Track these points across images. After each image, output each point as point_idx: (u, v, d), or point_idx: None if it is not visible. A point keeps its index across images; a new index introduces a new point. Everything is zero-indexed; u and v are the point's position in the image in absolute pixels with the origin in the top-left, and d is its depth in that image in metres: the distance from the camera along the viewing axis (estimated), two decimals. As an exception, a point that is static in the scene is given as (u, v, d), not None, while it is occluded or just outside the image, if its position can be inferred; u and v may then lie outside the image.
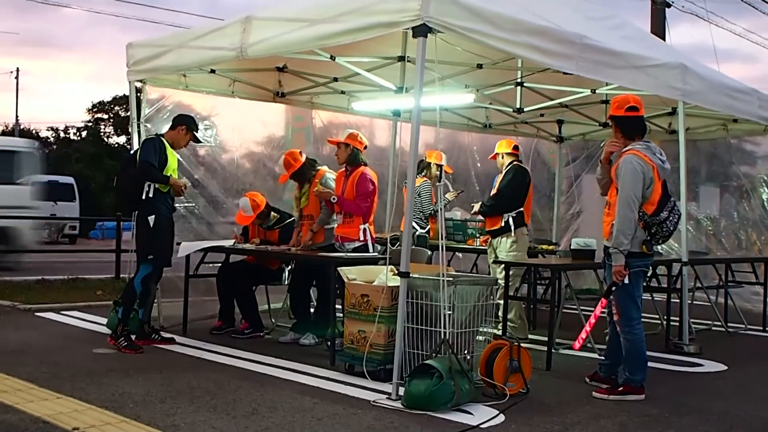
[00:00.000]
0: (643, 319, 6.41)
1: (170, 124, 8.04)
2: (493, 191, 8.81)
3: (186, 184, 7.91)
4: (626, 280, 6.08)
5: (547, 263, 9.16)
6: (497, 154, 8.89)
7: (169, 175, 7.61)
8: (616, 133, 6.28)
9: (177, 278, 8.85)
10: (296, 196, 8.61)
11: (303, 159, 8.48)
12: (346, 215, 7.94)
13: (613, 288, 6.17)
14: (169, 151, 7.70)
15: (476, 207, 8.84)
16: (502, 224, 8.49)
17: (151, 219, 7.54)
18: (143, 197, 7.54)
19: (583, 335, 6.38)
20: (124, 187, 7.77)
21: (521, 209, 8.53)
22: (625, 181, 6.00)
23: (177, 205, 8.20)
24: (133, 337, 7.52)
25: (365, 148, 8.14)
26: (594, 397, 6.18)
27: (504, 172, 8.71)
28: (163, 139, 7.78)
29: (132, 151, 8.15)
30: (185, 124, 7.90)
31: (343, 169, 8.12)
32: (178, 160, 8.08)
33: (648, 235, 6.09)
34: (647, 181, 6.02)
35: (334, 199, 7.91)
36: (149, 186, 7.53)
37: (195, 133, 7.98)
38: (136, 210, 7.70)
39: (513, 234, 8.44)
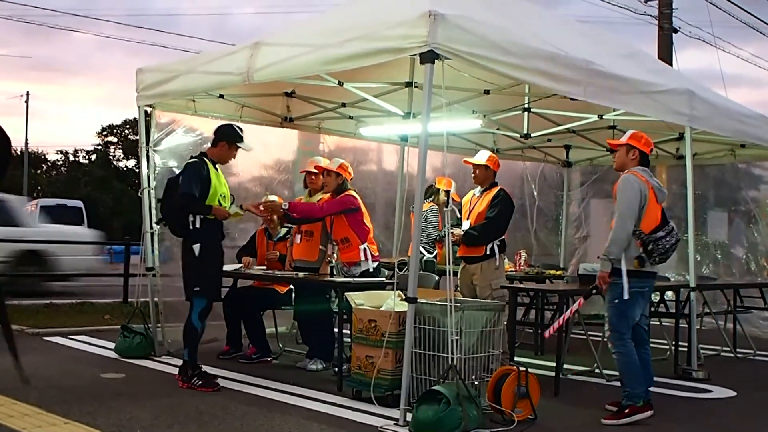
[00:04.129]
0: (651, 345, 6.42)
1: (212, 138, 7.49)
2: (473, 218, 8.05)
3: (230, 213, 7.24)
4: (625, 295, 6.17)
5: (554, 288, 9.15)
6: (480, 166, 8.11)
7: (210, 205, 7.05)
8: (631, 162, 6.51)
9: (181, 303, 8.84)
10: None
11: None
12: (342, 241, 7.98)
13: (594, 292, 6.42)
14: (214, 173, 7.14)
15: (457, 234, 7.93)
16: (487, 251, 7.92)
17: (197, 248, 7.02)
18: (190, 228, 7.06)
19: (555, 326, 6.61)
20: (167, 217, 7.38)
21: (503, 237, 8.12)
22: (623, 196, 6.27)
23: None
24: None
25: (351, 179, 8.23)
26: (604, 425, 6.16)
27: (491, 198, 7.97)
28: (206, 159, 7.21)
29: (177, 174, 7.56)
30: (225, 139, 7.27)
31: (329, 195, 8.17)
32: None
33: (644, 252, 6.23)
34: (643, 200, 6.25)
35: (285, 206, 7.89)
36: (194, 216, 7.05)
37: (239, 144, 7.30)
38: (182, 238, 7.25)
39: (497, 260, 8.01)
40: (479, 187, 8.13)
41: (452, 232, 7.89)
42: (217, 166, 7.28)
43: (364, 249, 7.95)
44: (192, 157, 7.35)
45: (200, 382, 6.93)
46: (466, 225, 8.01)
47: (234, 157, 7.47)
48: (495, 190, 7.97)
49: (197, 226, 7.03)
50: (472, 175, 8.12)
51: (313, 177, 8.52)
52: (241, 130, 7.37)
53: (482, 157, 8.07)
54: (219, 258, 7.25)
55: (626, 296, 6.16)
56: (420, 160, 6.02)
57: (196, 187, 6.99)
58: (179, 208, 7.05)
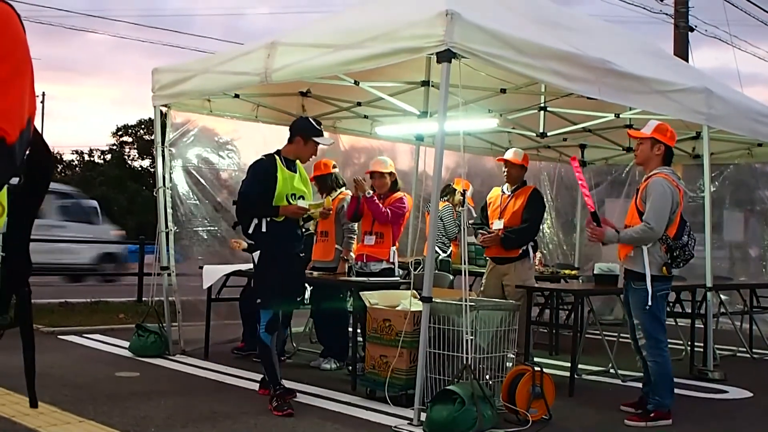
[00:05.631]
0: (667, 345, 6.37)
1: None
2: (507, 217, 7.97)
3: (305, 208, 6.45)
4: (649, 302, 6.05)
5: (569, 288, 9.11)
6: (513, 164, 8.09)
7: (277, 206, 6.34)
8: (656, 157, 6.33)
9: (198, 302, 8.87)
10: None
11: (332, 170, 8.46)
12: (378, 235, 7.96)
13: (593, 217, 6.31)
14: (282, 171, 6.39)
15: (492, 239, 7.91)
16: (523, 252, 7.99)
17: (256, 256, 6.44)
18: (251, 231, 6.44)
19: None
20: (238, 219, 6.77)
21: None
22: (656, 201, 6.09)
23: (199, 229, 8.14)
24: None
25: None
26: (628, 425, 6.10)
27: (527, 198, 7.98)
28: (277, 157, 6.47)
29: None
30: (299, 133, 6.55)
31: (376, 193, 8.05)
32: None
33: (669, 258, 6.13)
34: (674, 206, 6.13)
35: (369, 193, 7.82)
36: (258, 218, 6.42)
37: (316, 139, 6.58)
38: None
39: (531, 259, 8.11)
40: (507, 185, 8.12)
41: (488, 236, 7.89)
42: (296, 164, 6.62)
43: (394, 252, 7.94)
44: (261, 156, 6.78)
45: (276, 404, 6.15)
46: (497, 224, 7.97)
47: (315, 154, 6.85)
48: (530, 190, 8.03)
49: (262, 230, 6.37)
50: (505, 172, 8.09)
51: (378, 180, 8.17)
52: (318, 123, 6.84)
53: (518, 155, 8.09)
54: (286, 264, 6.46)
55: (650, 303, 6.05)
56: (436, 160, 5.99)
57: (257, 186, 6.39)
58: (238, 210, 6.58)
